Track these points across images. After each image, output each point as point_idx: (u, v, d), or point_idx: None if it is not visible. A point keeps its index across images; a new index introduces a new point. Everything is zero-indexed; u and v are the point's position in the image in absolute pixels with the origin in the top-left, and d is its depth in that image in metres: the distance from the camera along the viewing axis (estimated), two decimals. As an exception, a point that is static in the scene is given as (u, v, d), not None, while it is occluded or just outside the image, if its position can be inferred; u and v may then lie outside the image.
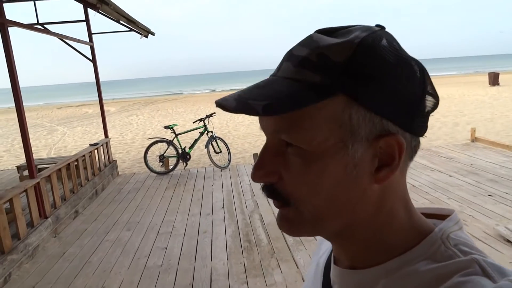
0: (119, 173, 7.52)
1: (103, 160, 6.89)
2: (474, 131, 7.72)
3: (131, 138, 13.20)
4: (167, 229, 4.56)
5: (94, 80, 6.99)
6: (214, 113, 7.47)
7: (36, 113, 27.00)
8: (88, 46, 6.77)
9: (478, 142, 7.55)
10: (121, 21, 6.45)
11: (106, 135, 7.31)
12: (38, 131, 16.60)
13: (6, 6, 4.26)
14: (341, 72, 0.38)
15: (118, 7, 5.55)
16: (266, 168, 0.42)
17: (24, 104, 4.19)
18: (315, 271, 0.57)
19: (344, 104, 0.38)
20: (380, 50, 0.39)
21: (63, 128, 17.33)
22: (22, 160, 8.81)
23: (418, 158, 6.28)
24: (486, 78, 24.97)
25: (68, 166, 5.34)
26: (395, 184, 0.43)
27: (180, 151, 7.15)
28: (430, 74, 0.43)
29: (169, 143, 7.06)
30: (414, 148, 0.43)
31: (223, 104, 0.38)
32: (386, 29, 0.43)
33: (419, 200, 4.67)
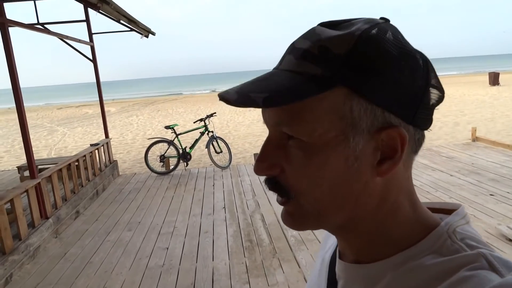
0: (120, 173, 7.51)
1: (104, 160, 6.89)
2: (475, 130, 7.72)
3: (132, 138, 13.20)
4: (168, 229, 4.55)
5: (94, 80, 6.99)
6: (215, 113, 7.48)
7: (36, 113, 26.99)
8: (89, 46, 6.77)
9: (479, 141, 7.55)
10: (121, 21, 6.45)
11: (106, 135, 7.30)
12: (38, 131, 16.59)
13: (7, 6, 4.25)
14: (342, 64, 0.38)
15: (119, 7, 5.54)
16: (268, 161, 0.43)
17: (24, 104, 4.18)
18: (320, 266, 0.57)
19: (345, 96, 0.38)
20: (382, 42, 0.39)
21: (63, 128, 17.33)
22: (22, 160, 8.81)
23: (419, 158, 6.27)
24: (486, 78, 24.98)
25: (69, 166, 5.33)
26: (399, 178, 0.42)
27: (180, 151, 7.15)
28: None
29: (170, 143, 7.05)
30: (418, 142, 0.42)
31: (225, 97, 0.39)
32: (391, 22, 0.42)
33: (420, 200, 4.66)
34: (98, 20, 6.93)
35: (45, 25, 6.14)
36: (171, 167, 7.17)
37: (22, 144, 4.32)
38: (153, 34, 7.66)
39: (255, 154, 7.75)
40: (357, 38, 0.38)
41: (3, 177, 7.66)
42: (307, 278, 3.20)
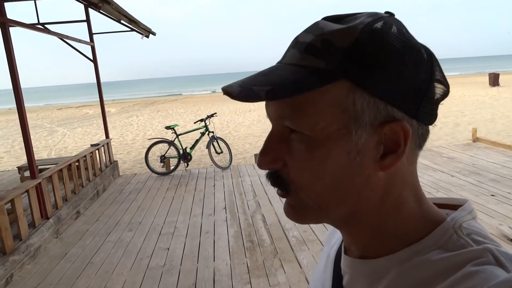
0: (120, 173, 7.51)
1: (104, 160, 6.88)
2: (476, 131, 7.72)
3: (132, 138, 13.20)
4: (169, 229, 4.54)
5: (94, 80, 6.99)
6: (215, 113, 7.48)
7: (36, 114, 26.99)
8: (89, 46, 6.76)
9: (479, 142, 7.55)
10: (122, 21, 6.45)
11: (107, 136, 7.30)
12: (39, 132, 16.59)
13: (7, 5, 4.25)
14: (345, 57, 0.38)
15: (120, 7, 5.54)
16: (271, 155, 0.43)
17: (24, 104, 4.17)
18: (326, 261, 0.56)
19: (348, 90, 0.38)
20: (385, 35, 0.38)
21: (64, 129, 17.33)
22: (22, 161, 8.81)
23: (419, 158, 6.29)
24: (486, 79, 24.99)
25: (69, 166, 5.32)
26: (403, 172, 0.42)
27: (181, 151, 7.14)
28: None
29: (170, 143, 7.04)
30: (422, 136, 0.42)
31: (228, 90, 0.39)
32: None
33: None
34: (99, 20, 6.92)
35: (46, 25, 6.14)
36: (172, 167, 7.16)
37: (22, 145, 4.32)
38: (154, 34, 7.66)
39: (255, 155, 7.75)
40: (359, 31, 0.38)
41: (3, 178, 7.65)
42: (308, 279, 3.19)
